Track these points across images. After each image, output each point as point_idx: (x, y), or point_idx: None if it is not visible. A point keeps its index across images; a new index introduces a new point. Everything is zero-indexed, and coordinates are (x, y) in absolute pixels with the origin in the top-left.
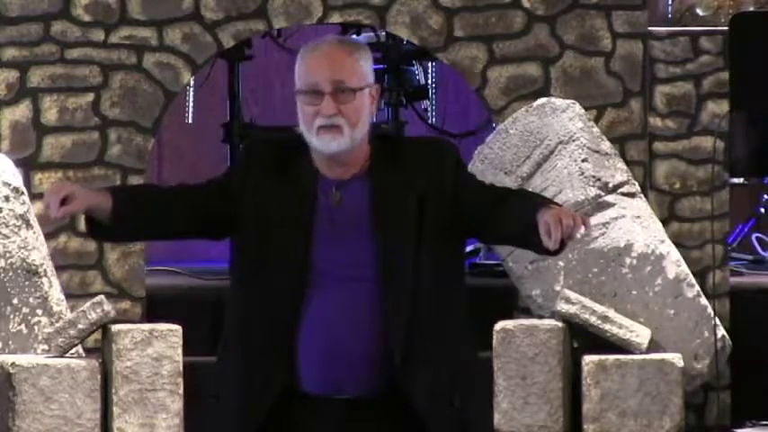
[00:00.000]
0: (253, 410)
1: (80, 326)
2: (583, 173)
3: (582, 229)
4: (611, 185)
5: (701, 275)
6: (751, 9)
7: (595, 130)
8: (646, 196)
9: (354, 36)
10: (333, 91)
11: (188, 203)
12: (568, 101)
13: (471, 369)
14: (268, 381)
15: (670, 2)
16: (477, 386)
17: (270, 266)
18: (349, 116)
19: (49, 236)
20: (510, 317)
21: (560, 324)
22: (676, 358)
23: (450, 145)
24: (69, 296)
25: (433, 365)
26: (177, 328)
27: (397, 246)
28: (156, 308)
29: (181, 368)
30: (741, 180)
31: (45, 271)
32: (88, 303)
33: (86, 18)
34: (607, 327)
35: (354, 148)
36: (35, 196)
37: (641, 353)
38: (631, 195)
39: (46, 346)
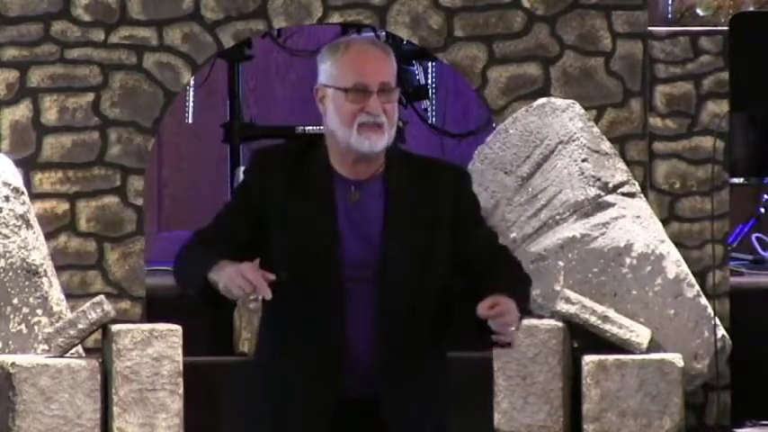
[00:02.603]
0: (315, 419)
1: (80, 326)
2: (583, 173)
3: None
4: (611, 185)
5: (700, 275)
6: (751, 9)
7: (595, 130)
8: (646, 196)
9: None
10: (379, 90)
11: (232, 251)
12: (568, 101)
13: (443, 400)
14: (326, 387)
15: (670, 2)
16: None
17: (306, 270)
18: (390, 115)
19: (48, 236)
20: None
21: (560, 324)
22: (676, 358)
23: (469, 176)
24: (69, 296)
25: (412, 382)
26: (177, 328)
27: (404, 251)
28: (156, 308)
29: (181, 368)
30: (741, 180)
31: (45, 271)
32: (88, 303)
33: (86, 18)
34: (607, 327)
35: (387, 148)
36: (35, 196)
37: (641, 353)
38: (631, 195)
39: (46, 346)
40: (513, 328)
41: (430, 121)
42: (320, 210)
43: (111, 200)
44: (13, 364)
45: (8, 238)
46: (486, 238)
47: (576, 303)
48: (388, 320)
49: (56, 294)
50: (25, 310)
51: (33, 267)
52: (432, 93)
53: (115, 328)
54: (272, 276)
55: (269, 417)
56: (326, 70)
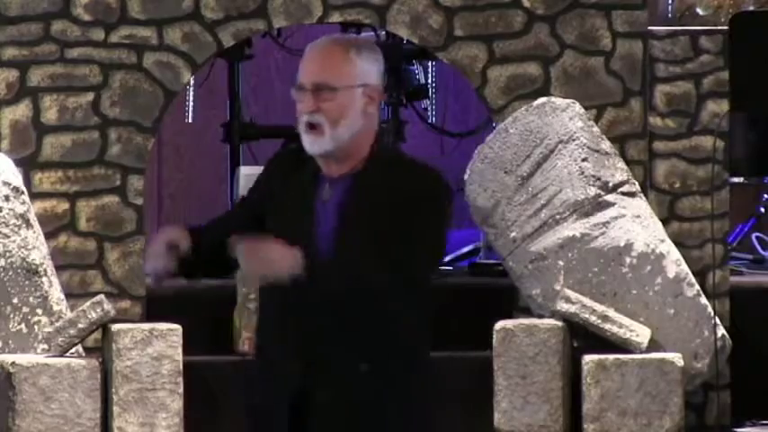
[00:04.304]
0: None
1: (80, 325)
2: (583, 172)
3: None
4: (611, 185)
5: (701, 275)
6: (751, 9)
7: (595, 129)
8: (646, 196)
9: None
10: (314, 88)
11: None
12: (568, 100)
13: (403, 389)
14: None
15: (670, 1)
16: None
17: None
18: (329, 114)
19: (48, 235)
20: (510, 317)
21: (560, 324)
22: (676, 358)
23: (436, 183)
24: (69, 296)
25: (346, 375)
26: (177, 327)
27: (352, 250)
28: (155, 307)
29: (181, 368)
30: (741, 179)
31: (45, 270)
32: (88, 303)
33: (86, 17)
34: (607, 326)
35: (341, 147)
36: (35, 196)
37: (641, 352)
38: (631, 195)
39: (46, 346)
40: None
41: (430, 121)
42: (301, 209)
43: (111, 199)
44: (13, 363)
45: (8, 237)
46: (388, 236)
47: (575, 303)
48: (330, 317)
49: (56, 294)
50: (25, 309)
51: (33, 267)
52: (432, 92)
53: (115, 327)
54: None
55: (248, 416)
56: None
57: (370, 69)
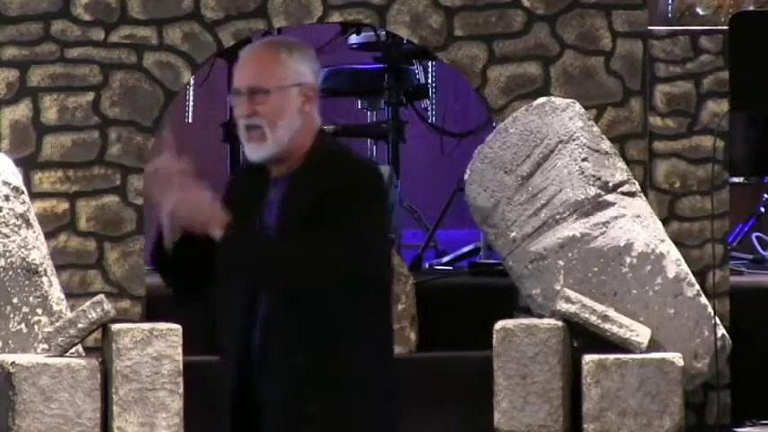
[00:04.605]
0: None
1: (80, 325)
2: (583, 172)
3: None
4: (611, 185)
5: (701, 275)
6: (751, 9)
7: (595, 129)
8: (646, 195)
9: (355, 36)
10: (248, 92)
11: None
12: (568, 100)
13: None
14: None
15: (670, 1)
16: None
17: (230, 271)
18: (266, 116)
19: (48, 235)
20: (510, 316)
21: (560, 323)
22: (676, 357)
23: (367, 176)
24: (69, 295)
25: (289, 376)
26: (177, 327)
27: (286, 248)
28: (155, 307)
29: (181, 368)
30: (741, 179)
31: (45, 270)
32: (88, 302)
33: (86, 17)
34: (607, 326)
35: (282, 148)
36: (35, 195)
37: (641, 352)
38: (631, 195)
39: (46, 346)
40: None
41: (430, 121)
42: (251, 211)
43: (110, 199)
44: (13, 363)
45: (8, 237)
46: (303, 234)
47: (576, 303)
48: (273, 317)
49: (56, 294)
50: (25, 309)
51: (33, 267)
52: (432, 92)
53: (115, 327)
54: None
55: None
56: None
57: (303, 69)
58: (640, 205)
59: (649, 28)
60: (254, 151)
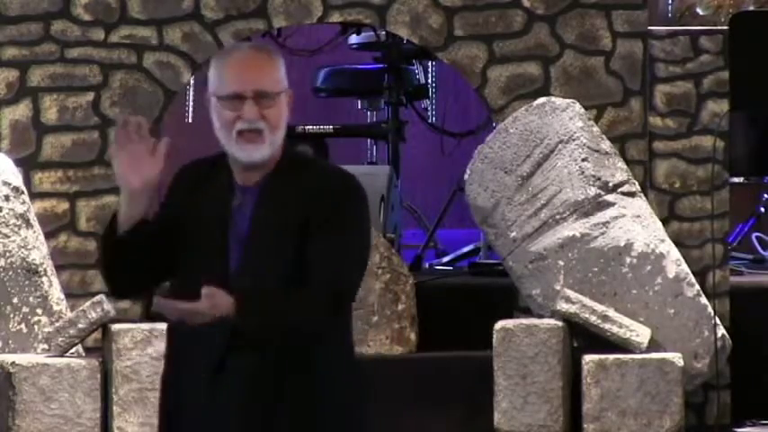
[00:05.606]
0: None
1: (80, 325)
2: (583, 172)
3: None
4: (611, 185)
5: (701, 275)
6: (751, 8)
7: (595, 129)
8: (646, 195)
9: (354, 36)
10: (255, 96)
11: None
12: (568, 100)
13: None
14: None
15: (670, 1)
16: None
17: (194, 285)
18: (270, 121)
19: (48, 235)
20: (510, 316)
21: (560, 323)
22: (676, 357)
23: (348, 185)
24: (69, 295)
25: (254, 381)
26: None
27: (264, 257)
28: None
29: None
30: (741, 179)
31: (45, 270)
32: (88, 303)
33: (86, 17)
34: (607, 326)
35: (272, 154)
36: (35, 195)
37: (641, 352)
38: (631, 195)
39: (46, 346)
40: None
41: (430, 121)
42: (215, 218)
43: (111, 199)
44: (13, 363)
45: (8, 237)
46: (318, 251)
47: (575, 303)
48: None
49: (56, 294)
50: (25, 309)
51: (33, 267)
52: (432, 92)
53: (115, 327)
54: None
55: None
56: (210, 78)
57: (285, 74)
58: (640, 205)
59: (649, 28)
60: (253, 152)
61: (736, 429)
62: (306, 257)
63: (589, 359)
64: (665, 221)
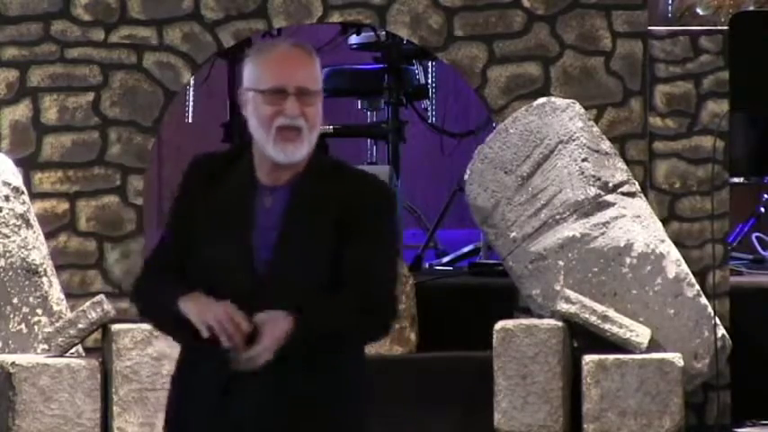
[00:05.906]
0: None
1: (80, 325)
2: (583, 172)
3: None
4: (611, 185)
5: (701, 275)
6: (751, 9)
7: (595, 129)
8: (646, 196)
9: (354, 36)
10: (297, 93)
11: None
12: (568, 100)
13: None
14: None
15: (670, 1)
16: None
17: (220, 286)
18: (310, 119)
19: (48, 235)
20: (510, 317)
21: (560, 324)
22: (676, 358)
23: (381, 189)
24: (69, 296)
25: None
26: None
27: (296, 257)
28: None
29: None
30: (741, 179)
31: (45, 270)
32: (88, 303)
33: (86, 18)
34: (607, 326)
35: (307, 153)
36: (35, 196)
37: (641, 352)
38: (631, 195)
39: (46, 346)
40: (251, 356)
41: (430, 121)
42: (236, 222)
43: (111, 199)
44: (13, 363)
45: (8, 237)
46: (356, 257)
47: (575, 303)
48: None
49: (56, 294)
50: (25, 309)
51: (33, 267)
52: (432, 92)
53: (115, 327)
54: (245, 324)
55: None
56: (248, 73)
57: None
58: (640, 205)
59: (649, 28)
60: (294, 151)
61: (736, 429)
62: (345, 263)
63: (589, 359)
64: (665, 222)
